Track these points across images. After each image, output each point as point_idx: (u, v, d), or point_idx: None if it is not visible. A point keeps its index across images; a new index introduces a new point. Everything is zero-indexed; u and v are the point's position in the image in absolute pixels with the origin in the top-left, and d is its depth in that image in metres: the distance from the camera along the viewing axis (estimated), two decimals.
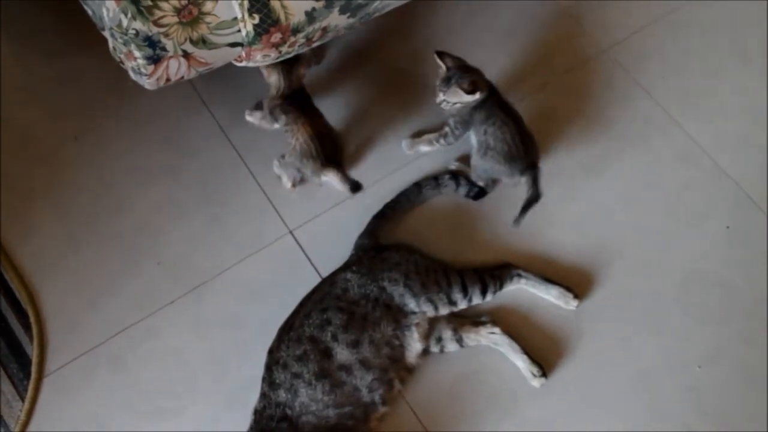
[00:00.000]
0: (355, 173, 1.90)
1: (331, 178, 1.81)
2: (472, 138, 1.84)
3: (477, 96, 1.74)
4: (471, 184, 1.87)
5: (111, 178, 1.92)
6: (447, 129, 1.86)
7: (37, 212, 1.87)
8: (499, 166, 1.80)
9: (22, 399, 1.65)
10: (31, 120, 2.01)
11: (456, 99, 1.76)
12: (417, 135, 1.96)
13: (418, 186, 1.87)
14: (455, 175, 1.88)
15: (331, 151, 1.81)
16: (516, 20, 2.16)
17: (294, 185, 1.89)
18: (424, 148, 1.93)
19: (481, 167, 1.83)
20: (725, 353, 1.72)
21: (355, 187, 1.83)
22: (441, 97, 1.77)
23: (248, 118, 1.97)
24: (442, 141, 1.89)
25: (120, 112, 2.01)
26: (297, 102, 1.83)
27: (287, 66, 1.77)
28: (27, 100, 2.04)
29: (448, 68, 1.77)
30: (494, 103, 1.80)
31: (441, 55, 1.78)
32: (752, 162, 1.96)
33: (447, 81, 1.75)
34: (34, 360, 1.68)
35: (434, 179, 1.88)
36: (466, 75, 1.75)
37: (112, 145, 1.97)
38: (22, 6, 2.16)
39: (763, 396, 1.68)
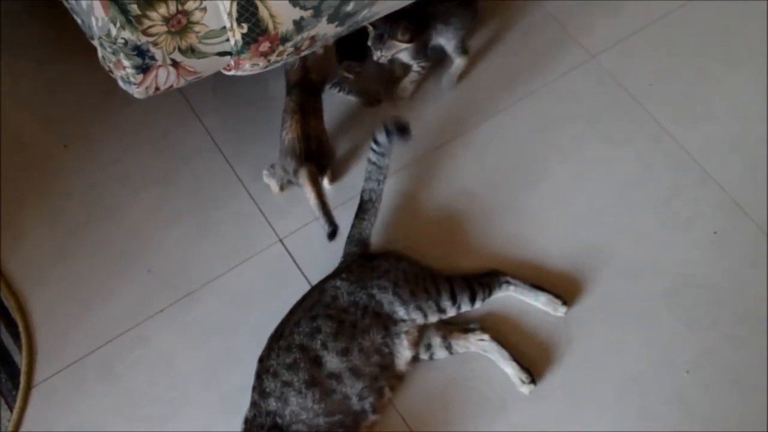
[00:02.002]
0: (342, 181, 1.92)
1: (307, 193, 1.76)
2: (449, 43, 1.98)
3: (414, 41, 1.86)
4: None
5: (101, 186, 1.92)
6: (417, 67, 1.98)
7: (27, 219, 1.87)
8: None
9: (11, 409, 1.64)
10: (21, 127, 2.01)
11: (395, 50, 1.87)
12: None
13: (369, 173, 1.81)
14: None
15: (318, 157, 1.79)
16: (503, 27, 2.17)
17: (282, 188, 1.89)
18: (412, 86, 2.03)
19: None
20: (713, 357, 1.73)
21: (332, 232, 1.74)
22: (378, 54, 1.87)
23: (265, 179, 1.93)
24: (422, 72, 2.01)
25: (110, 120, 2.01)
26: (304, 95, 1.81)
27: None
28: (16, 107, 2.04)
29: (375, 27, 1.83)
30: None
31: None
32: (739, 168, 1.97)
33: (380, 38, 1.84)
34: (23, 369, 1.68)
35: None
36: (396, 26, 1.83)
37: (102, 153, 1.97)
38: (12, 13, 2.16)
39: (752, 399, 1.68)
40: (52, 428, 1.64)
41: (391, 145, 1.75)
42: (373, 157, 1.77)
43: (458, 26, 1.98)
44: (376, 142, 1.75)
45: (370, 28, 1.85)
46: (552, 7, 2.21)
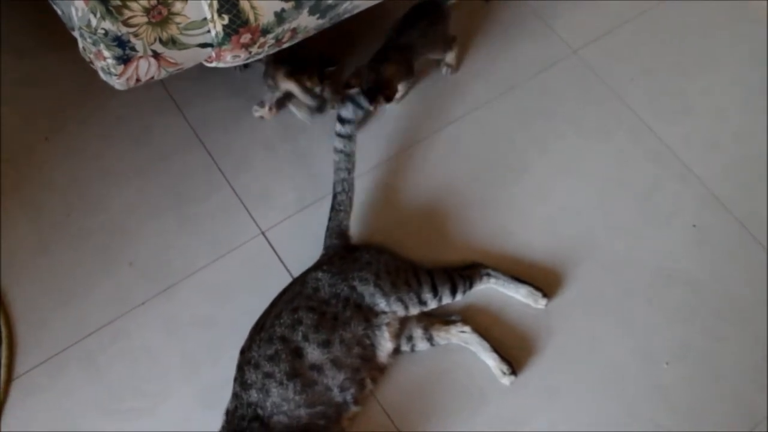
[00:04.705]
0: (319, 177, 1.92)
1: (293, 89, 1.85)
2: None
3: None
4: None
5: (83, 179, 1.92)
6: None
7: (7, 213, 1.86)
8: None
9: None
10: (1, 120, 1.99)
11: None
12: None
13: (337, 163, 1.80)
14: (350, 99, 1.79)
15: (297, 58, 1.84)
16: (484, 22, 2.19)
17: (271, 109, 1.95)
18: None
19: None
20: (692, 350, 1.75)
21: (320, 105, 1.86)
22: (372, 107, 1.84)
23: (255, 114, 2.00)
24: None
25: (92, 114, 2.00)
26: None
27: None
28: None
29: (362, 92, 1.80)
30: None
31: (348, 94, 1.81)
32: (718, 162, 1.99)
33: (370, 95, 1.80)
34: (3, 362, 1.67)
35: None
36: (379, 83, 1.81)
37: (83, 146, 1.96)
38: None
39: (730, 390, 1.70)
40: (33, 421, 1.63)
41: (356, 121, 1.75)
42: (339, 143, 1.76)
43: (438, 40, 2.00)
44: (341, 120, 1.74)
45: (357, 90, 1.82)
46: (533, 2, 2.22)
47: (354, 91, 1.80)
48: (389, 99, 1.84)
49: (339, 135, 1.76)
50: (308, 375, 1.56)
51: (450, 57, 2.07)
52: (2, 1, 2.15)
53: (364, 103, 1.78)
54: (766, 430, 1.66)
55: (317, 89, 1.87)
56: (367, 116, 1.97)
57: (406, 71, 1.94)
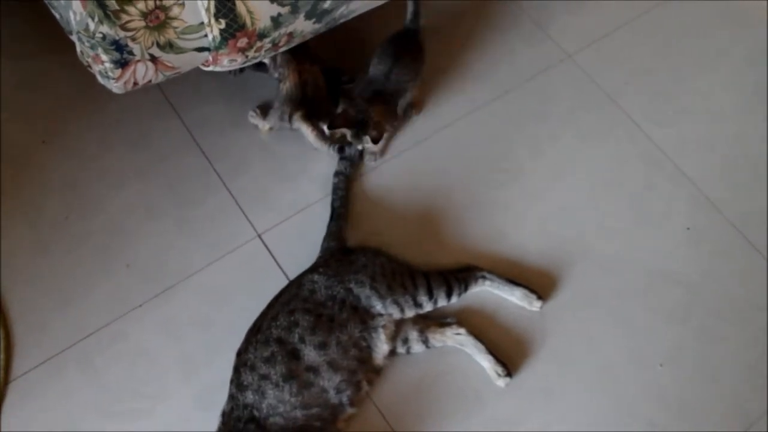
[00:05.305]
0: (320, 178, 1.94)
1: (306, 133, 1.89)
2: None
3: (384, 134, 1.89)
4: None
5: (80, 181, 1.92)
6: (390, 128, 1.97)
7: (6, 215, 1.87)
8: None
9: None
10: (1, 124, 2.00)
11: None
12: None
13: (339, 174, 1.92)
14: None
15: (313, 103, 1.88)
16: (479, 26, 2.20)
17: (271, 129, 1.96)
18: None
19: None
20: (686, 350, 1.76)
21: (341, 148, 1.91)
22: (361, 146, 1.89)
23: (251, 120, 2.00)
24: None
25: (89, 116, 2.01)
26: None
27: None
28: None
29: (349, 129, 1.84)
30: None
31: (332, 129, 1.84)
32: (711, 165, 2.00)
33: (357, 136, 1.84)
34: (1, 364, 1.68)
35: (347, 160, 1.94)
36: (367, 122, 1.83)
37: (82, 149, 1.97)
38: None
39: (724, 391, 1.71)
40: (31, 422, 1.64)
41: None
42: (341, 166, 1.92)
43: (419, 73, 1.97)
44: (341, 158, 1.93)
45: (346, 132, 1.85)
46: (528, 6, 2.24)
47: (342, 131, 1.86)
48: (376, 140, 1.83)
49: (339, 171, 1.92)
50: (304, 377, 1.57)
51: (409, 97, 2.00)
52: (1, 5, 2.16)
53: (354, 149, 1.91)
54: (763, 430, 1.68)
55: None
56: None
57: (393, 113, 1.93)
